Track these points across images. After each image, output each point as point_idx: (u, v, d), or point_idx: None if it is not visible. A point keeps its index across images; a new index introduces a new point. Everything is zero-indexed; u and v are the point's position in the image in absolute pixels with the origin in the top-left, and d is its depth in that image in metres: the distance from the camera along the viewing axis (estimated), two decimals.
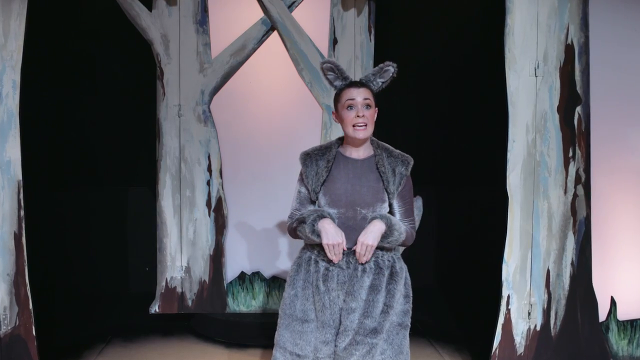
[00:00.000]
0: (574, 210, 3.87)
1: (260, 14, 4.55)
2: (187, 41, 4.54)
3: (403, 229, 2.63)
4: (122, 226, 5.88)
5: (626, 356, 3.98)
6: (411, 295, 2.74)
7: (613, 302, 3.97)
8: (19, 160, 3.64)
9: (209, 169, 4.57)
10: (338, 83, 2.67)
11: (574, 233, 3.87)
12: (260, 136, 4.70)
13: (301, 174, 2.75)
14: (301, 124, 4.70)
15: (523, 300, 3.85)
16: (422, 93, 5.78)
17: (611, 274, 3.97)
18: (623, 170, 3.97)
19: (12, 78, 3.61)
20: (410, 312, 2.73)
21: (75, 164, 5.55)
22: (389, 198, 2.67)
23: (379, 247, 2.63)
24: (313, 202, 2.76)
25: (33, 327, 3.66)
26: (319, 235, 2.55)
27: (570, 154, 3.85)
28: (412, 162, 2.72)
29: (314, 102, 4.66)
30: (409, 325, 2.72)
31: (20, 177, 3.64)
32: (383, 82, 2.69)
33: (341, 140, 2.78)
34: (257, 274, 4.72)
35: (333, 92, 4.59)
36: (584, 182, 3.87)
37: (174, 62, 4.53)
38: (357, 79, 2.70)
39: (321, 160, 2.71)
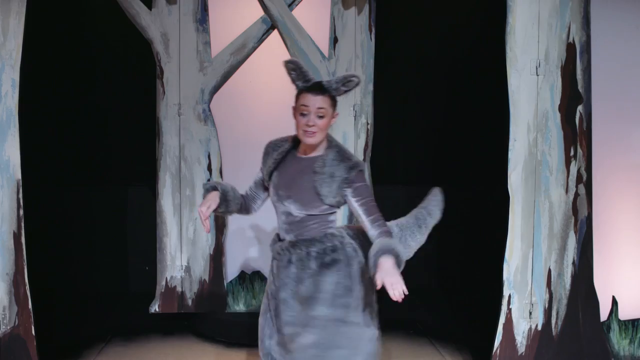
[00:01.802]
0: (575, 210, 3.88)
1: (260, 12, 4.55)
2: (187, 40, 4.55)
3: (396, 240, 2.65)
4: (122, 225, 5.89)
5: (627, 356, 4.00)
6: (358, 289, 2.69)
7: (614, 302, 3.99)
8: (18, 160, 3.63)
9: (209, 168, 4.57)
10: (299, 84, 2.64)
11: (575, 232, 3.88)
12: (260, 135, 4.64)
13: (262, 158, 2.86)
14: None
15: (524, 300, 3.86)
16: (422, 92, 5.80)
17: (613, 273, 3.99)
18: (625, 170, 3.99)
19: (12, 77, 3.60)
20: (358, 307, 2.68)
21: (74, 163, 5.56)
22: (325, 201, 2.64)
23: (321, 240, 2.69)
24: (267, 189, 2.87)
25: (32, 327, 3.66)
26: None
27: (572, 153, 3.86)
28: (358, 168, 2.65)
29: None
30: (355, 321, 2.66)
31: (19, 176, 3.64)
32: (346, 90, 2.65)
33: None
34: (257, 274, 4.72)
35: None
36: (585, 181, 3.89)
37: (173, 61, 4.54)
38: (320, 81, 2.65)
39: (275, 152, 2.78)
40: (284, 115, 4.66)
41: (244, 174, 4.65)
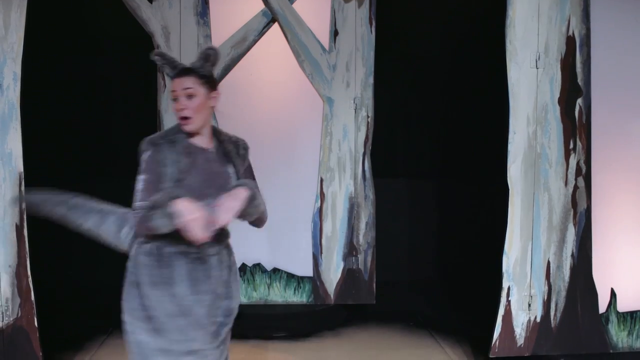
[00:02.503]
0: (574, 202, 3.89)
1: (260, 5, 4.57)
2: (187, 33, 4.56)
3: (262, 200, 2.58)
4: None
5: (626, 347, 4.00)
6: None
7: (613, 294, 3.99)
8: (20, 152, 3.66)
9: None
10: (169, 72, 2.52)
11: (574, 225, 3.90)
12: (261, 128, 4.72)
13: (147, 163, 2.46)
14: (302, 116, 4.74)
15: (523, 292, 3.88)
16: (422, 85, 5.81)
17: (611, 265, 3.99)
18: (624, 163, 3.98)
19: (13, 70, 3.63)
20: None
21: (76, 156, 5.56)
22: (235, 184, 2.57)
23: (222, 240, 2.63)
24: None
25: (35, 319, 3.70)
26: (174, 218, 2.27)
27: (571, 146, 3.88)
28: (247, 145, 2.69)
29: (315, 94, 4.69)
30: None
31: (21, 169, 3.67)
32: (211, 65, 2.52)
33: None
34: (258, 266, 4.75)
35: (332, 83, 4.64)
36: (584, 174, 3.90)
37: (174, 54, 4.52)
38: (185, 65, 2.54)
39: (172, 148, 2.48)
40: (284, 107, 4.72)
41: None
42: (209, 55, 2.48)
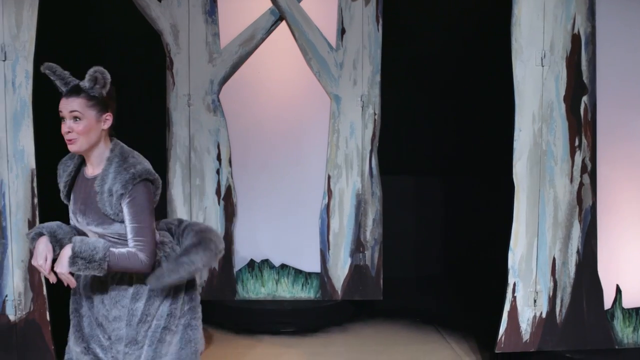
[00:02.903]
0: (579, 199, 3.92)
1: (268, 4, 4.61)
2: (196, 31, 4.61)
3: (102, 253, 2.27)
4: None
5: (631, 343, 4.02)
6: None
7: (618, 290, 4.01)
8: (32, 149, 3.73)
9: (219, 158, 4.64)
10: (63, 88, 2.42)
11: (579, 222, 3.92)
12: (269, 125, 4.77)
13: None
14: (309, 113, 4.77)
15: (529, 288, 3.91)
16: (429, 82, 5.82)
17: (616, 262, 4.00)
18: (629, 160, 3.99)
19: (25, 68, 3.70)
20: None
21: None
22: (116, 220, 2.39)
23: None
24: None
25: (47, 312, 3.77)
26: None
27: (577, 143, 3.90)
28: (135, 180, 2.35)
29: (322, 92, 4.72)
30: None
31: (33, 165, 3.74)
32: (101, 87, 2.40)
33: None
34: (266, 262, 4.80)
35: (339, 81, 4.66)
36: (589, 171, 3.92)
37: (183, 52, 4.60)
38: (77, 84, 2.42)
39: (65, 172, 2.52)
40: (292, 105, 4.76)
41: (252, 162, 4.76)
42: (97, 78, 2.37)
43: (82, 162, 2.51)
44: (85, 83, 2.38)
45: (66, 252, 2.27)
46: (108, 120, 2.45)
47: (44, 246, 2.31)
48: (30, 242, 2.38)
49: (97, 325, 2.47)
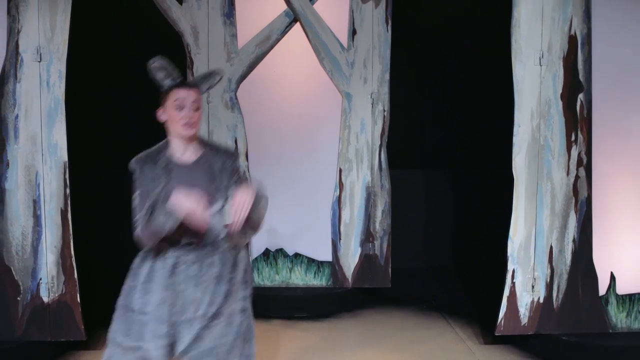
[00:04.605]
0: (575, 191, 4.05)
1: (283, 6, 4.76)
2: (215, 32, 4.75)
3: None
4: None
5: (624, 328, 4.13)
6: (250, 281, 2.79)
7: (612, 277, 4.12)
8: (65, 143, 3.92)
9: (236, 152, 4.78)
10: (168, 82, 2.58)
11: (575, 212, 4.05)
12: (283, 121, 4.91)
13: (137, 180, 2.59)
14: (322, 110, 4.89)
15: (527, 275, 4.05)
16: (435, 81, 5.89)
17: (611, 250, 4.11)
18: (622, 153, 4.10)
19: (59, 68, 3.89)
20: (250, 296, 2.75)
21: (113, 148, 5.57)
22: (223, 195, 2.60)
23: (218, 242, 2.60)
24: None
25: (78, 295, 3.97)
26: (175, 214, 2.38)
27: (573, 138, 4.02)
28: (237, 155, 2.72)
29: (334, 90, 4.86)
30: (249, 307, 2.74)
31: (66, 158, 3.93)
32: (209, 87, 2.69)
33: (166, 142, 2.68)
34: (280, 251, 4.96)
35: (351, 79, 4.71)
36: (585, 164, 4.04)
37: (203, 52, 4.75)
38: (187, 81, 2.67)
39: (154, 166, 2.59)
40: (306, 102, 4.90)
41: (268, 157, 4.88)
42: (215, 78, 2.69)
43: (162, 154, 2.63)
44: (197, 79, 2.68)
45: (249, 190, 2.43)
46: (201, 114, 2.67)
47: (181, 194, 2.39)
48: (169, 216, 2.38)
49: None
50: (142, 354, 2.54)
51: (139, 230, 2.49)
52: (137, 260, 2.67)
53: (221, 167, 2.62)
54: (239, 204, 2.39)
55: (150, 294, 2.58)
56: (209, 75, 2.70)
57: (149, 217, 2.41)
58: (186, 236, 2.54)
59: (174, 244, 2.56)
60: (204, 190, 2.55)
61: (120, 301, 2.65)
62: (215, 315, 2.58)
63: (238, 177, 2.65)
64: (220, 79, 2.74)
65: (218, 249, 2.62)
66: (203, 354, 2.56)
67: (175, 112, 2.55)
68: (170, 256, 2.58)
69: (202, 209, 2.39)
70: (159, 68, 2.60)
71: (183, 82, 2.60)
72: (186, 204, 2.37)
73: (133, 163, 2.61)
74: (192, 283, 2.58)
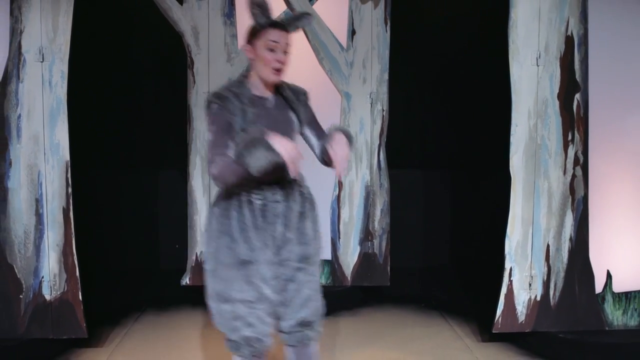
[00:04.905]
0: (572, 190, 4.07)
1: (283, 6, 4.76)
2: (215, 33, 4.77)
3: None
4: (154, 206, 6.03)
5: (621, 325, 4.16)
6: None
7: (609, 275, 4.15)
8: (67, 143, 3.94)
9: None
10: (262, 20, 2.52)
11: (572, 211, 4.08)
12: None
13: (216, 115, 2.50)
14: (321, 109, 4.67)
15: (524, 273, 4.08)
16: (433, 81, 5.92)
17: (607, 249, 4.13)
18: (619, 153, 4.12)
19: (61, 69, 3.91)
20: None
21: (114, 147, 5.75)
22: (301, 128, 2.73)
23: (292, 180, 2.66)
24: None
25: (79, 293, 3.99)
26: (275, 151, 2.28)
27: (570, 137, 4.05)
28: (306, 91, 2.79)
29: (334, 89, 4.88)
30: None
31: (68, 157, 3.95)
32: (297, 27, 2.63)
33: (245, 77, 2.65)
34: None
35: (350, 79, 4.73)
36: (582, 163, 4.06)
37: (203, 53, 4.77)
38: (279, 21, 2.59)
39: (237, 100, 2.53)
40: None
41: None
42: (305, 19, 2.63)
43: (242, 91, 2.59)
44: (289, 19, 2.61)
45: (346, 139, 2.57)
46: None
47: (278, 136, 2.33)
48: (268, 152, 2.29)
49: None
50: (264, 304, 2.58)
51: (218, 167, 2.37)
52: (218, 219, 2.61)
53: (297, 101, 2.68)
54: (343, 158, 2.43)
55: (249, 243, 2.56)
56: (300, 17, 2.63)
57: (243, 149, 2.30)
58: (276, 174, 2.50)
59: (260, 183, 2.53)
60: (289, 126, 2.62)
61: (222, 260, 2.59)
62: (307, 258, 2.68)
63: (312, 112, 2.75)
64: (309, 22, 2.66)
65: (299, 187, 2.70)
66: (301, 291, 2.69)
67: (266, 53, 2.51)
68: (256, 198, 2.57)
69: (298, 148, 2.33)
70: (256, 3, 2.51)
71: (279, 23, 2.55)
72: (285, 142, 2.30)
73: (213, 97, 2.54)
74: (280, 223, 2.60)
